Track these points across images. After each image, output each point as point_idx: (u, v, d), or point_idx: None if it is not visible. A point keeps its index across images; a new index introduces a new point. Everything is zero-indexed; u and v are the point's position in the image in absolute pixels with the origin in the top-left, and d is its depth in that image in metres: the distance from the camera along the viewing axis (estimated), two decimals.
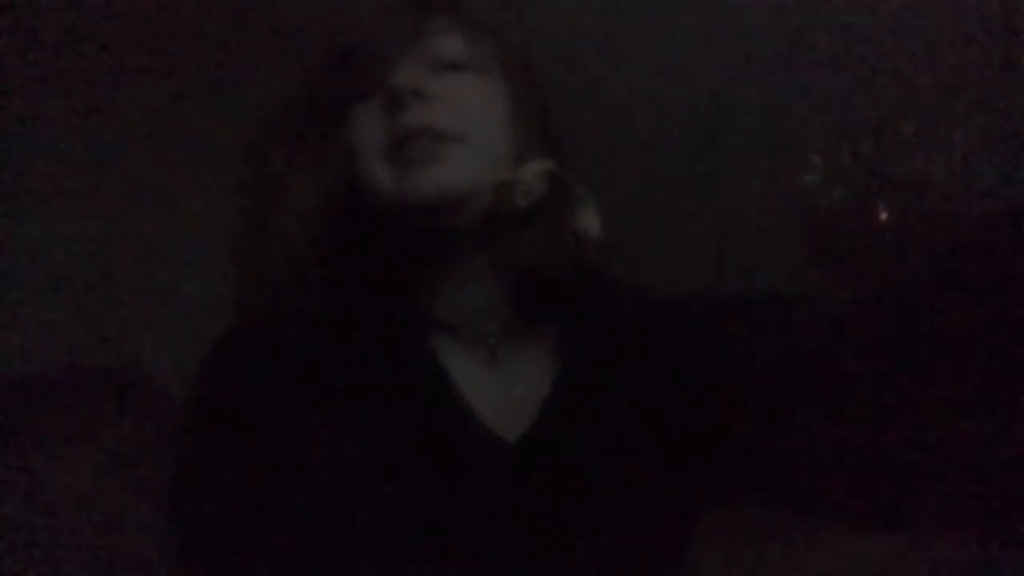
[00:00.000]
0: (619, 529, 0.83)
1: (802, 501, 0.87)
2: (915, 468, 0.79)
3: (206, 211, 1.04)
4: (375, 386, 0.83)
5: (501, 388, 0.86)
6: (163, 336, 1.53)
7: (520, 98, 0.89)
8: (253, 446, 0.80)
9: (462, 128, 0.84)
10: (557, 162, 0.87)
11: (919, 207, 0.79)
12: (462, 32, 0.88)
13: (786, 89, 1.17)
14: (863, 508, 0.84)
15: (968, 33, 0.91)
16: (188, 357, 0.86)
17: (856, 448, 0.81)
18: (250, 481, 0.79)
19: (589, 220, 0.87)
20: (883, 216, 0.80)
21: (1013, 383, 0.75)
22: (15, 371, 1.56)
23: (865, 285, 0.83)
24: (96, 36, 1.54)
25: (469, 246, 0.86)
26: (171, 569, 0.81)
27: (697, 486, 0.87)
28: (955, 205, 0.79)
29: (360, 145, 0.86)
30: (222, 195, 0.93)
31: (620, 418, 0.86)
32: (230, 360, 0.85)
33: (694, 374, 0.87)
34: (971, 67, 0.84)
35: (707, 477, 0.87)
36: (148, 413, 1.57)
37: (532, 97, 0.91)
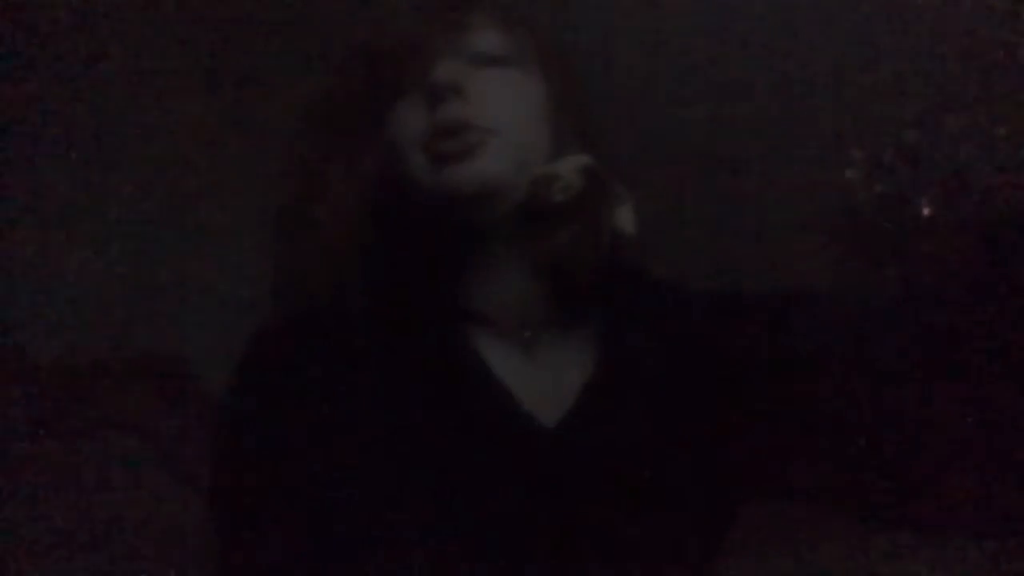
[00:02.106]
0: (655, 514, 0.83)
1: (826, 498, 0.87)
2: (928, 467, 0.79)
3: (247, 204, 1.05)
4: (412, 377, 0.83)
5: (538, 379, 0.86)
6: (203, 328, 1.54)
7: (558, 93, 0.89)
8: (292, 438, 0.80)
9: (499, 123, 0.84)
10: (594, 158, 0.87)
11: (962, 202, 0.78)
12: (501, 27, 0.89)
13: (828, 81, 1.16)
14: (869, 506, 0.83)
15: (1015, 28, 0.89)
16: (228, 349, 0.87)
17: (888, 444, 0.80)
18: (289, 473, 0.80)
19: (625, 217, 0.87)
20: (925, 211, 0.80)
21: None
22: (56, 360, 1.58)
23: (906, 281, 0.82)
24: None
25: (506, 240, 0.87)
26: (211, 559, 0.82)
27: (730, 477, 0.87)
28: (999, 201, 0.77)
29: (399, 139, 0.86)
30: (263, 188, 0.93)
31: (656, 408, 0.86)
32: (269, 352, 0.86)
33: (728, 369, 0.87)
34: (1017, 61, 0.83)
35: (738, 469, 0.87)
36: (188, 404, 1.59)
37: (570, 92, 0.91)
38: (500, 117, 0.84)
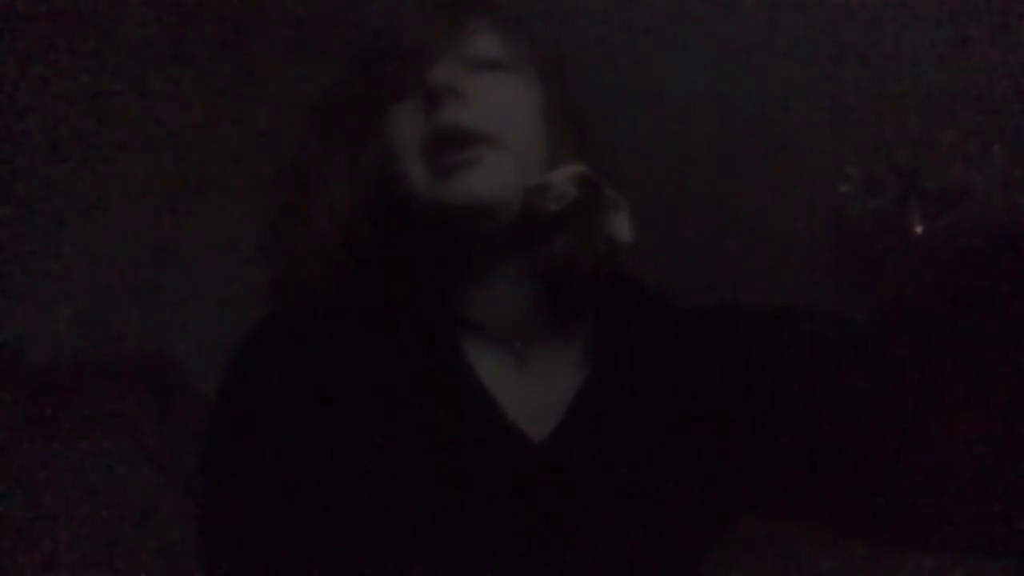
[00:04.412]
0: (642, 529, 0.83)
1: (820, 508, 0.87)
2: (923, 479, 0.79)
3: (245, 205, 1.05)
4: (403, 383, 0.83)
5: (528, 389, 0.86)
6: (195, 329, 1.54)
7: (555, 98, 0.89)
8: (281, 441, 0.80)
9: (496, 129, 0.84)
10: (590, 165, 0.87)
11: (955, 218, 0.78)
12: (499, 32, 0.89)
13: (824, 97, 1.16)
14: (866, 514, 0.83)
15: (1010, 45, 0.89)
16: (220, 350, 0.86)
17: (882, 457, 0.80)
18: (278, 476, 0.79)
19: (621, 224, 0.87)
20: (918, 228, 0.80)
21: None
22: (47, 361, 1.58)
23: (898, 295, 0.82)
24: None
25: (500, 248, 0.86)
26: (199, 561, 0.81)
27: (721, 492, 0.87)
28: (992, 217, 0.78)
29: (396, 143, 0.86)
30: (261, 190, 0.93)
31: (646, 422, 0.86)
32: (261, 355, 0.85)
33: (720, 384, 0.87)
34: (1012, 79, 0.83)
35: (730, 484, 0.87)
36: (179, 405, 1.59)
37: (567, 98, 0.91)
38: (498, 122, 0.84)
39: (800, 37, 1.19)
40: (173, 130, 1.58)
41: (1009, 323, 0.76)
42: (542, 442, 0.83)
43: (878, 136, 0.84)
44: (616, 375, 0.87)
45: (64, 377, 1.59)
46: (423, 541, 0.78)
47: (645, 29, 1.31)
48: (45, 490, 1.47)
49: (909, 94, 0.96)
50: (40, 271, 1.60)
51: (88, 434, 1.55)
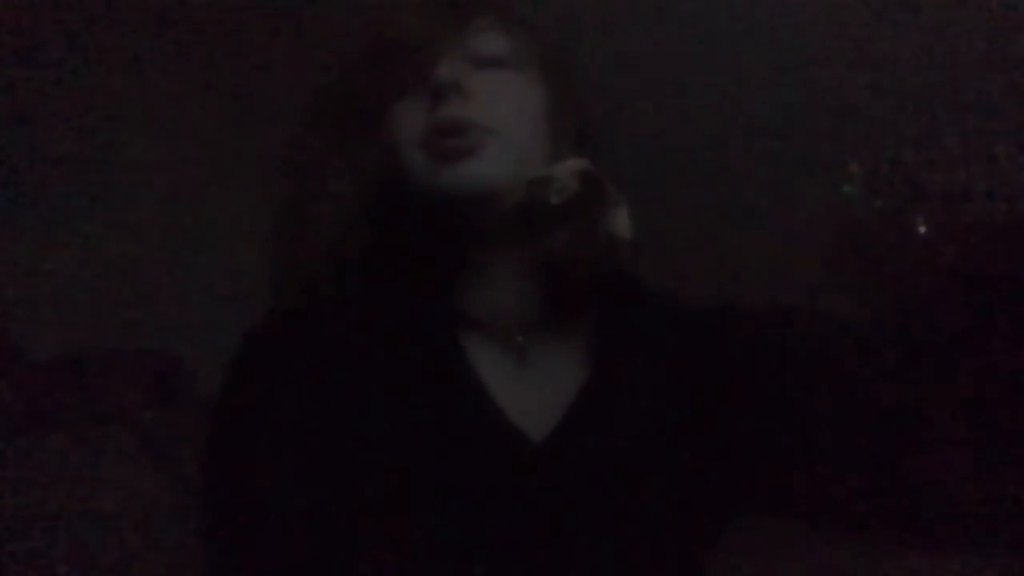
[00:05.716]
0: (641, 531, 0.82)
1: (821, 509, 0.87)
2: (925, 479, 0.79)
3: (244, 200, 1.05)
4: (403, 380, 0.83)
5: (529, 387, 0.86)
6: (198, 323, 1.54)
7: (558, 97, 0.90)
8: (282, 438, 0.80)
9: (498, 123, 0.85)
10: (592, 162, 0.87)
11: (958, 220, 0.78)
12: (504, 30, 0.89)
13: (829, 96, 1.16)
14: (866, 514, 0.83)
15: (1014, 50, 0.90)
16: (223, 344, 0.87)
17: (884, 456, 0.80)
18: (279, 472, 0.79)
19: (622, 221, 0.87)
20: (921, 228, 0.80)
21: None
22: (53, 357, 1.58)
23: (900, 296, 0.82)
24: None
25: (501, 242, 0.87)
26: (201, 556, 0.81)
27: (721, 492, 0.87)
28: (995, 219, 0.78)
29: (399, 138, 0.86)
30: (260, 185, 0.93)
31: (646, 423, 0.86)
32: (262, 351, 0.86)
33: (721, 384, 0.87)
34: (1015, 82, 0.83)
35: (730, 484, 0.87)
36: (182, 399, 1.59)
37: (569, 96, 0.91)
38: (501, 118, 0.85)
39: (803, 35, 1.20)
40: (175, 128, 1.58)
41: (1010, 324, 0.76)
42: (541, 441, 0.83)
43: (882, 136, 0.84)
44: (617, 374, 0.87)
45: (67, 374, 1.59)
46: (422, 540, 0.78)
47: (646, 28, 1.31)
48: (47, 487, 1.47)
49: (912, 93, 0.96)
50: (42, 268, 1.60)
51: (91, 429, 1.55)
